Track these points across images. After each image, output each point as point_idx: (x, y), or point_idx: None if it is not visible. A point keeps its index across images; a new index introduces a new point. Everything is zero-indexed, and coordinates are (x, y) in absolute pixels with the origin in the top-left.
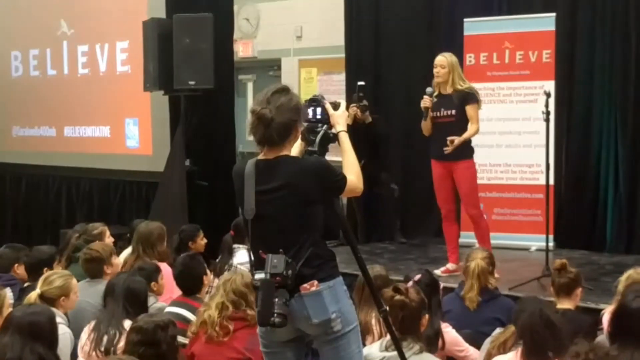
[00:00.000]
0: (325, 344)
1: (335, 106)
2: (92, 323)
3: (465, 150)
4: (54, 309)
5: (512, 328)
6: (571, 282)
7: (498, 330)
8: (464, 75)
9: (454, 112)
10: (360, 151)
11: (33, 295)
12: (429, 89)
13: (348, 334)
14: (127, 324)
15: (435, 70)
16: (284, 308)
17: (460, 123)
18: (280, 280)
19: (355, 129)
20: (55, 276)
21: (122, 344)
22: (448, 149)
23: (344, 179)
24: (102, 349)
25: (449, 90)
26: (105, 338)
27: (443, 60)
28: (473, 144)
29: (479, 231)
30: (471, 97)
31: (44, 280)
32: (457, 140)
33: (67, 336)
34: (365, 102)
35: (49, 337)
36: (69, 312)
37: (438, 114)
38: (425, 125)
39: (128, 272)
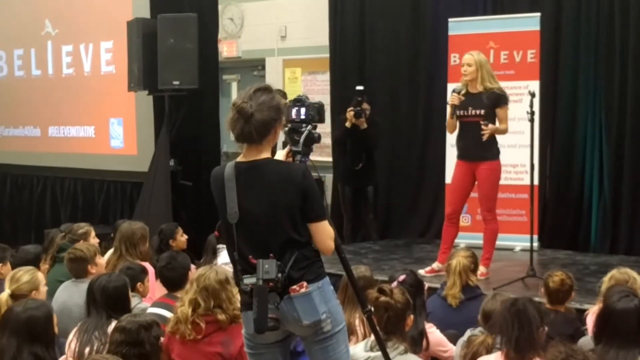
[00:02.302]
0: (315, 344)
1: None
2: (78, 327)
3: (492, 151)
4: None
5: (479, 339)
6: (568, 292)
7: (468, 332)
8: (493, 74)
9: (482, 112)
10: (357, 154)
11: (4, 297)
12: (458, 86)
13: (337, 334)
14: (113, 325)
15: (462, 69)
16: (275, 312)
17: (490, 122)
18: (272, 284)
19: (352, 132)
20: (21, 272)
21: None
22: (485, 132)
23: (325, 215)
24: None
25: (479, 88)
26: (87, 350)
27: (470, 58)
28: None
29: (487, 233)
30: (503, 100)
31: (11, 280)
32: (490, 128)
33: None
34: (364, 106)
35: (45, 334)
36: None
37: (465, 113)
38: (451, 124)
39: (107, 275)
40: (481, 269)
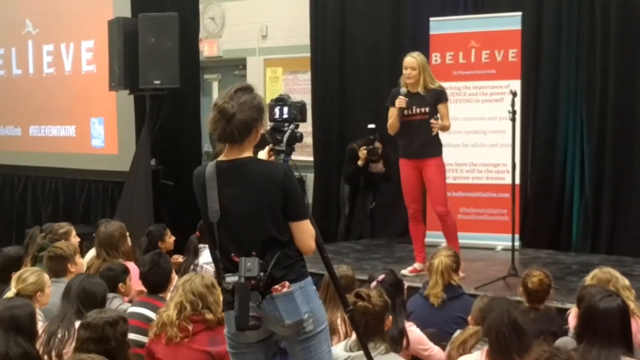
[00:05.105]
0: (297, 344)
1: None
2: (45, 324)
3: (436, 148)
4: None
5: (471, 329)
6: (546, 291)
7: (459, 331)
8: (432, 74)
9: (427, 109)
10: (370, 194)
11: (10, 296)
12: (403, 90)
13: (319, 334)
14: (78, 324)
15: (406, 72)
16: (257, 311)
17: (438, 118)
18: (254, 283)
19: (364, 170)
20: (28, 273)
21: (72, 346)
22: (435, 127)
23: (306, 214)
24: (54, 352)
25: (419, 89)
26: (52, 339)
27: (413, 61)
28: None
29: (447, 230)
30: (443, 96)
31: (17, 279)
32: (439, 124)
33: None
34: (377, 145)
35: (29, 330)
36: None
37: (410, 112)
38: (394, 125)
39: (88, 275)
40: None
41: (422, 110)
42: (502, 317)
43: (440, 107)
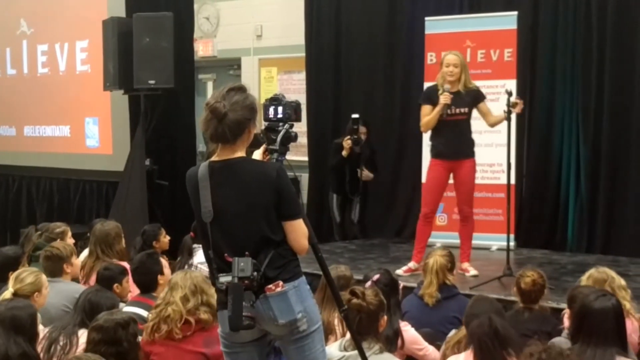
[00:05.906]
0: (290, 344)
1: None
2: (47, 329)
3: (471, 148)
4: None
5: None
6: (540, 291)
7: (454, 331)
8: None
9: (466, 110)
10: (354, 185)
11: (7, 295)
12: (447, 86)
13: (313, 333)
14: (81, 333)
15: (448, 70)
16: (251, 310)
17: (469, 120)
18: (248, 283)
19: (350, 161)
20: (26, 273)
21: (75, 355)
22: (518, 108)
23: (299, 214)
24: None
25: (459, 87)
26: (54, 346)
27: (456, 59)
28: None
29: (466, 231)
30: (482, 95)
31: (15, 279)
32: (520, 103)
33: (41, 334)
34: (361, 131)
35: (29, 331)
36: None
37: (450, 112)
38: (431, 123)
39: (97, 286)
40: (466, 265)
41: (462, 110)
42: (484, 327)
43: (481, 105)
